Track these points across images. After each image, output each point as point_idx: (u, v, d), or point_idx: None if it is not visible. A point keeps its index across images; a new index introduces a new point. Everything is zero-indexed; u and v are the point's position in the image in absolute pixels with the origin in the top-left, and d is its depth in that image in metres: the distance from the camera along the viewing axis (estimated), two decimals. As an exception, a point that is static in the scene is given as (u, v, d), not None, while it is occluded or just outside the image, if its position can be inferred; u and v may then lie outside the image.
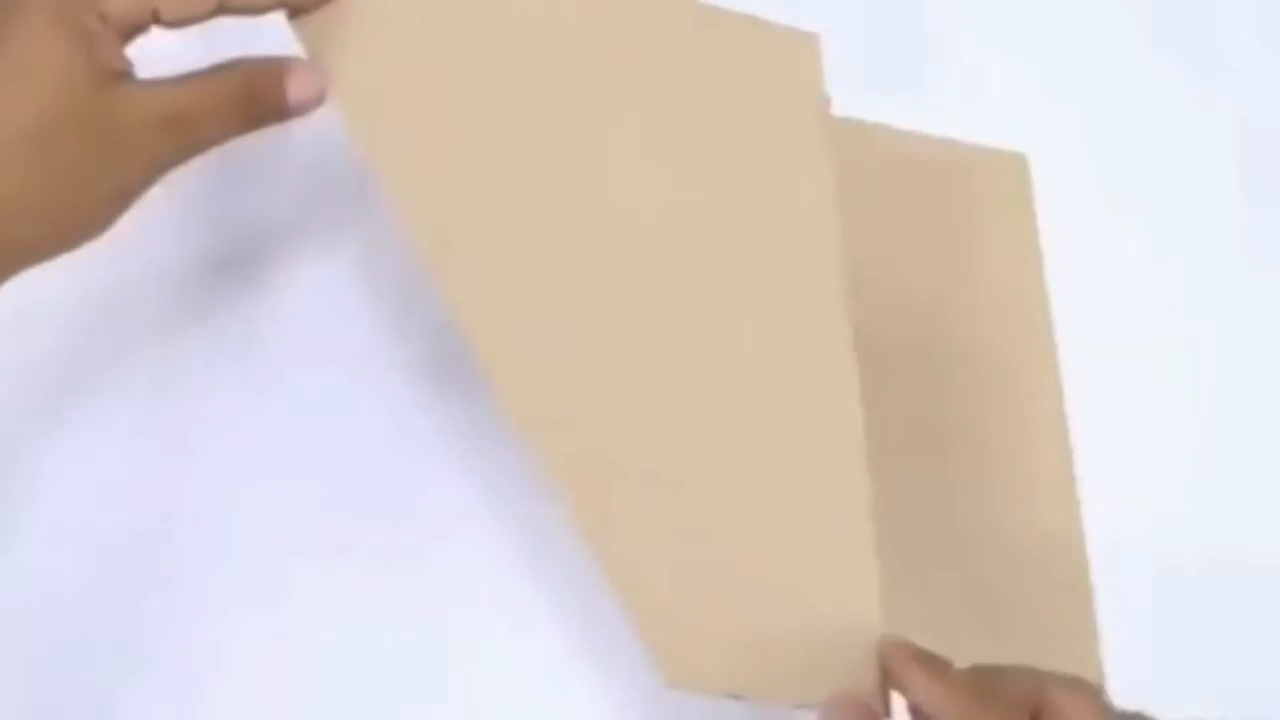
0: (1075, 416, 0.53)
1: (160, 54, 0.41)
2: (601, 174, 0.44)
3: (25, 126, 0.38)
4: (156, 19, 0.40)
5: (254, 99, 0.42)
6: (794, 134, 0.46)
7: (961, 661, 0.40)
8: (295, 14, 0.42)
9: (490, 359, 0.40)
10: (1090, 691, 0.39)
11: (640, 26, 0.46)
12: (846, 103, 0.49)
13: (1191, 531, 0.52)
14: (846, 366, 0.43)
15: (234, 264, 0.50)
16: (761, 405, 0.42)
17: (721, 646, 0.40)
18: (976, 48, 0.59)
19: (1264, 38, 0.61)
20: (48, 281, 0.40)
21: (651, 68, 0.46)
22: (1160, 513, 0.52)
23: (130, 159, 0.40)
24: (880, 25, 0.59)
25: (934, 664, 0.40)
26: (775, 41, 0.48)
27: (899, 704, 0.39)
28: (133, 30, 0.40)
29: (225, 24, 0.41)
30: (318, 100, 0.43)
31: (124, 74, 0.40)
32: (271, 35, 0.42)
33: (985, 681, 0.39)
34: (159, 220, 0.50)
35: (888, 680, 0.40)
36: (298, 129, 0.42)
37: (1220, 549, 0.52)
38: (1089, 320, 0.55)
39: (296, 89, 0.42)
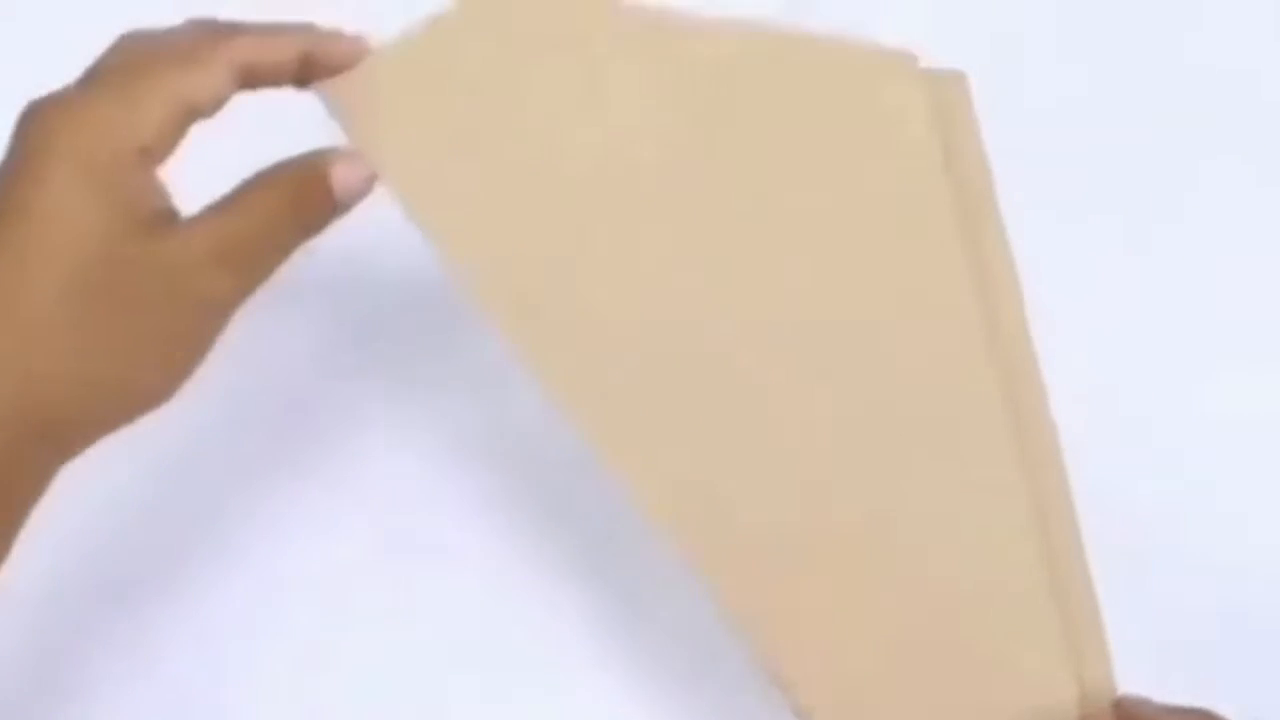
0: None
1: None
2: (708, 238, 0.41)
3: (61, 288, 0.34)
4: (195, 114, 0.36)
5: (302, 206, 0.38)
6: (911, 175, 0.42)
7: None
8: (314, 78, 0.39)
9: (610, 450, 0.39)
10: None
11: (715, 63, 0.41)
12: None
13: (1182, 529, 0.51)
14: (1002, 443, 0.40)
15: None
16: (926, 490, 0.40)
17: None
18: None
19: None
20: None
21: (738, 111, 0.41)
22: (1145, 508, 0.51)
23: (187, 308, 0.36)
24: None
25: None
26: (872, 64, 0.43)
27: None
28: (176, 140, 0.36)
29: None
30: (367, 188, 0.39)
31: (165, 213, 0.36)
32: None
33: None
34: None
35: None
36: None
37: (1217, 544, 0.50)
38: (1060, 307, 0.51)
39: (342, 181, 0.38)
